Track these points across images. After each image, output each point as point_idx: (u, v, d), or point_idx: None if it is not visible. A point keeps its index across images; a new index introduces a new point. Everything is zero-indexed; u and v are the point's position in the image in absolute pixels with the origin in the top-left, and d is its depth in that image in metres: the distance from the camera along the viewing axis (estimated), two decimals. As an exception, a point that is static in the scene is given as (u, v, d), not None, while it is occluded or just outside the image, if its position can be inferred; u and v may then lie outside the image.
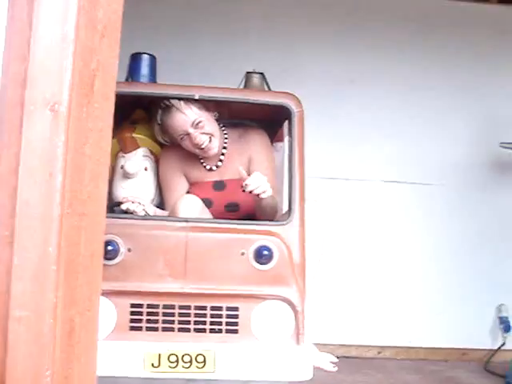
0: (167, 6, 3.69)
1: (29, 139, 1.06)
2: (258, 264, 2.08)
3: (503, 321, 3.77)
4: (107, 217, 2.09)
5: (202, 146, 2.37)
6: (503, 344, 3.75)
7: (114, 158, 2.54)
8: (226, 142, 2.50)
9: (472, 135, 3.86)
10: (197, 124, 2.34)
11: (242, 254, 2.08)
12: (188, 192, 2.47)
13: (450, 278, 3.76)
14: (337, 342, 3.63)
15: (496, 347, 3.74)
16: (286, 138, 2.35)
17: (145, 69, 2.53)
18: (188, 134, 2.36)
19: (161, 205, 2.55)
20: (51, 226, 1.07)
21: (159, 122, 2.40)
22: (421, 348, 3.72)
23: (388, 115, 3.78)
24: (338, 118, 3.77)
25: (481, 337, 3.80)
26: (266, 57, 3.54)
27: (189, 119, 2.33)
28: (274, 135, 2.70)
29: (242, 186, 2.17)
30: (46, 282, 1.07)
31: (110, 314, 2.01)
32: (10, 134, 1.07)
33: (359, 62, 3.78)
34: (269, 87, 2.58)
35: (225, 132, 2.51)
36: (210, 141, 2.38)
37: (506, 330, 3.75)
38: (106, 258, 2.01)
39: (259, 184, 2.14)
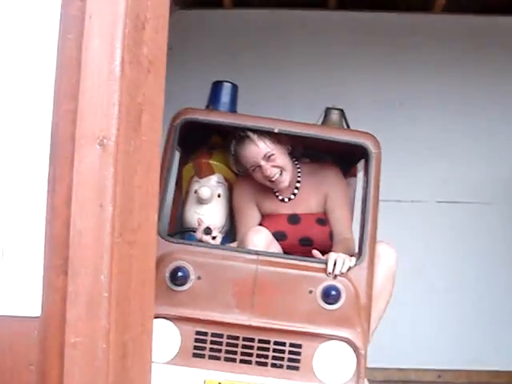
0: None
1: (80, 172, 1.12)
2: (324, 303, 2.07)
3: None
4: (180, 243, 2.17)
5: (273, 179, 2.38)
6: None
7: (189, 182, 2.58)
8: (299, 176, 2.52)
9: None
10: (268, 157, 2.36)
11: (310, 292, 2.08)
12: (261, 223, 2.49)
13: (510, 298, 3.67)
14: (395, 366, 3.58)
15: (562, 368, 3.62)
16: (362, 177, 2.34)
17: (225, 97, 2.56)
18: (259, 166, 2.37)
19: (230, 232, 2.58)
20: (103, 254, 1.12)
21: (233, 152, 2.44)
22: (482, 371, 3.64)
23: (438, 135, 3.76)
24: (389, 141, 3.74)
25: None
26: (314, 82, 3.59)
27: (261, 151, 2.35)
28: (348, 170, 2.72)
29: (326, 270, 2.12)
30: (99, 309, 1.11)
31: (174, 338, 2.04)
32: (63, 167, 1.13)
33: (407, 83, 3.78)
34: (347, 124, 2.59)
35: (298, 166, 2.53)
36: (281, 174, 2.39)
37: None
38: (176, 284, 2.06)
39: (339, 265, 2.11)
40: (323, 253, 2.29)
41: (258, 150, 2.36)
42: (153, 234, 1.34)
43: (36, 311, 1.11)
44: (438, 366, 3.65)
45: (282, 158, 2.39)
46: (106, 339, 1.12)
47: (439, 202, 3.77)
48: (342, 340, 2.05)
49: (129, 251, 1.21)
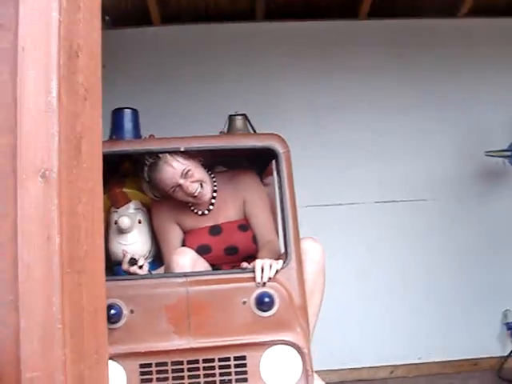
0: (144, 58, 3.79)
1: (24, 207, 1.11)
2: (260, 311, 2.09)
3: (510, 326, 3.80)
4: (107, 279, 2.14)
5: (196, 194, 2.38)
6: (513, 349, 3.77)
7: (107, 213, 2.54)
8: (215, 186, 2.53)
9: (457, 147, 3.94)
10: (186, 173, 2.35)
11: (244, 302, 2.09)
12: (183, 241, 2.49)
13: (453, 291, 3.80)
14: (347, 367, 3.64)
15: (506, 353, 3.76)
16: (275, 177, 2.37)
17: (128, 124, 2.56)
18: (179, 185, 2.37)
19: (158, 255, 2.57)
20: (53, 286, 1.12)
21: (147, 178, 2.41)
22: (432, 363, 3.75)
23: (372, 137, 3.86)
24: (326, 145, 3.84)
25: (490, 345, 3.83)
26: (246, 96, 3.62)
27: (177, 171, 2.35)
28: (263, 171, 2.74)
29: (255, 281, 2.13)
30: (54, 341, 1.10)
31: (119, 376, 2.01)
32: (6, 203, 1.12)
33: (339, 88, 3.86)
34: (253, 127, 2.62)
35: (213, 176, 2.54)
36: (202, 187, 2.40)
37: (514, 335, 3.78)
38: (110, 322, 2.02)
39: (266, 271, 2.12)
40: (250, 258, 2.32)
41: (174, 170, 2.35)
42: (100, 261, 1.33)
43: (-11, 350, 1.10)
44: (389, 363, 3.74)
45: (198, 171, 2.40)
46: (62, 371, 1.11)
47: (377, 202, 3.86)
48: (284, 343, 2.07)
49: (78, 280, 1.20)
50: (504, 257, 3.83)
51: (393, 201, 3.86)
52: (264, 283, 2.12)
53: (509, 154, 3.55)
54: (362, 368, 3.73)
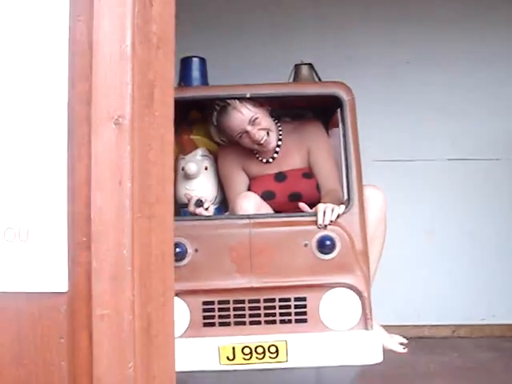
0: (213, 8, 3.77)
1: (97, 151, 1.15)
2: (321, 254, 2.12)
3: None
4: (174, 220, 2.21)
5: (261, 142, 2.43)
6: None
7: (174, 160, 2.59)
8: (280, 135, 2.55)
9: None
10: (253, 121, 2.40)
11: (305, 245, 2.13)
12: (249, 186, 2.54)
13: (523, 252, 3.71)
14: (409, 323, 3.64)
15: None
16: (340, 126, 2.38)
17: (196, 72, 2.59)
18: (246, 132, 2.42)
19: (223, 202, 2.62)
20: (124, 230, 1.16)
21: (215, 123, 2.47)
22: (496, 325, 3.70)
23: (447, 93, 3.75)
24: (398, 101, 3.77)
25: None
26: (319, 46, 3.58)
27: (245, 117, 2.39)
28: (329, 122, 2.74)
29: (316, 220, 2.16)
30: (123, 282, 1.16)
31: (183, 312, 2.10)
32: (80, 147, 1.17)
33: (415, 42, 3.75)
34: (318, 77, 2.61)
35: (279, 125, 2.56)
36: (268, 135, 2.44)
37: None
38: (175, 260, 2.07)
39: (328, 214, 2.15)
40: (313, 205, 2.34)
41: (242, 116, 2.40)
42: (170, 207, 1.37)
43: (63, 287, 1.16)
44: (452, 322, 3.71)
45: (265, 119, 2.44)
46: (131, 311, 1.16)
47: (449, 159, 3.78)
48: (344, 286, 2.10)
49: (148, 225, 1.25)
50: None
51: (465, 159, 3.76)
52: (325, 226, 2.15)
53: None
54: (424, 325, 3.72)
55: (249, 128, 2.40)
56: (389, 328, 3.34)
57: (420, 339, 3.54)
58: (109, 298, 1.15)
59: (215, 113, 2.44)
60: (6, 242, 1.15)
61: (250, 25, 3.78)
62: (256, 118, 2.40)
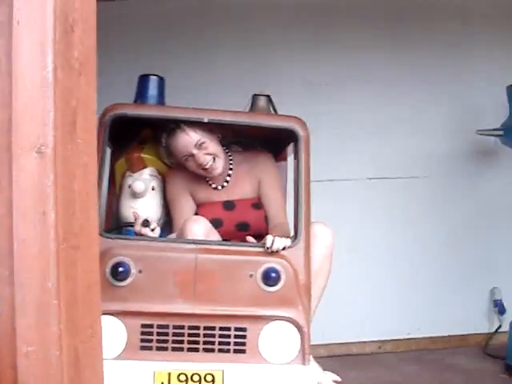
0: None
1: (19, 182, 1.11)
2: (265, 286, 2.11)
3: (497, 304, 3.85)
4: (119, 238, 2.17)
5: (206, 166, 2.42)
6: (499, 326, 3.82)
7: (122, 177, 2.57)
8: (231, 163, 2.55)
9: (450, 125, 3.92)
10: (200, 145, 2.39)
11: (251, 275, 2.11)
12: (196, 212, 2.51)
13: (442, 268, 3.83)
14: (337, 341, 3.68)
15: (493, 330, 3.81)
16: (292, 159, 2.39)
17: (153, 90, 2.58)
18: (192, 155, 2.41)
19: (167, 225, 2.59)
20: (49, 262, 1.12)
21: (164, 144, 2.47)
22: (420, 338, 3.79)
23: (366, 114, 3.83)
24: (317, 122, 3.80)
25: (478, 322, 3.87)
26: (242, 66, 3.62)
27: (192, 140, 2.38)
28: (279, 155, 2.76)
29: (264, 247, 2.17)
30: (49, 316, 1.11)
31: (120, 333, 2.05)
32: (1, 178, 1.12)
33: (332, 65, 3.84)
34: (275, 109, 2.64)
35: (229, 154, 2.56)
36: (214, 161, 2.43)
37: (501, 312, 3.83)
38: (118, 279, 2.06)
39: (276, 242, 2.17)
40: (260, 236, 2.34)
41: (190, 138, 2.39)
42: (95, 235, 1.34)
43: (-16, 324, 1.11)
44: (378, 338, 3.78)
45: (213, 145, 2.43)
46: (58, 345, 1.12)
47: (370, 178, 3.87)
48: (285, 320, 2.10)
49: (74, 256, 1.21)
50: (494, 235, 3.85)
51: (385, 177, 3.86)
52: (272, 252, 2.15)
53: (500, 132, 3.55)
54: (351, 343, 3.76)
55: (195, 151, 2.40)
56: (316, 347, 3.38)
57: (347, 356, 3.58)
58: (34, 333, 1.11)
59: (164, 134, 2.44)
60: None
61: (172, 45, 3.76)
62: (203, 143, 2.40)
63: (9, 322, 1.11)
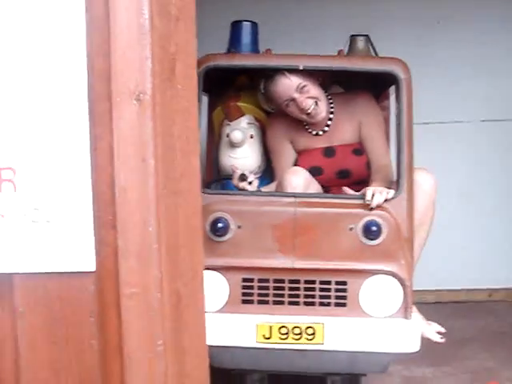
0: None
1: (119, 129, 1.14)
2: (366, 239, 2.06)
3: None
4: (216, 193, 2.19)
5: (309, 111, 2.34)
6: None
7: (220, 126, 2.57)
8: (332, 107, 2.47)
9: None
10: (301, 88, 2.31)
11: (351, 229, 2.07)
12: (296, 160, 2.48)
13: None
14: (444, 288, 3.61)
15: None
16: (393, 103, 2.30)
17: (246, 37, 2.52)
18: (293, 99, 2.33)
19: (267, 172, 2.58)
20: (149, 207, 1.16)
21: (263, 90, 2.40)
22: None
23: (479, 53, 3.63)
24: (428, 61, 3.67)
25: None
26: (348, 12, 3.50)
27: (293, 83, 2.31)
28: (381, 94, 2.67)
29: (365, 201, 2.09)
30: (150, 260, 1.15)
31: (222, 288, 2.09)
32: (102, 126, 1.15)
33: (445, 2, 3.64)
34: (375, 50, 2.53)
35: (329, 98, 2.49)
36: (316, 104, 2.35)
37: None
38: (217, 235, 2.08)
39: (376, 197, 2.09)
40: (362, 183, 2.28)
41: (290, 82, 2.31)
42: (196, 180, 1.35)
43: (91, 266, 1.16)
44: (488, 286, 3.67)
45: (314, 88, 2.35)
46: (159, 288, 1.16)
47: (483, 120, 3.69)
48: (386, 273, 2.06)
49: (174, 200, 1.23)
50: None
51: (500, 120, 3.67)
52: (372, 208, 2.09)
53: None
54: (460, 290, 3.68)
55: (296, 95, 2.32)
56: (425, 293, 3.33)
57: (456, 304, 3.51)
58: (136, 276, 1.15)
59: (263, 80, 2.38)
60: (31, 223, 1.15)
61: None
62: (304, 86, 2.31)
63: (113, 265, 1.16)
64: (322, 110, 2.36)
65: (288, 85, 2.31)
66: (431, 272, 3.55)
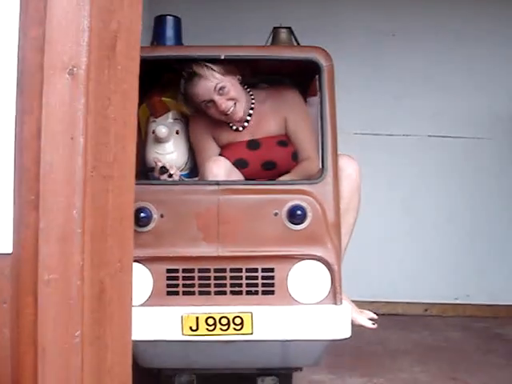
0: None
1: (49, 104, 1.07)
2: (291, 224, 2.03)
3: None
4: (139, 183, 2.13)
5: (228, 112, 2.33)
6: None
7: (146, 123, 2.51)
8: (253, 103, 2.45)
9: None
10: (220, 89, 2.29)
11: (276, 214, 2.04)
12: (220, 154, 2.46)
13: (499, 233, 3.69)
14: (383, 300, 3.62)
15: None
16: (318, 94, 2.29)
17: (169, 31, 2.52)
18: (212, 101, 2.31)
19: (195, 167, 2.54)
20: (75, 189, 1.08)
21: (182, 91, 2.36)
22: (468, 305, 3.68)
23: (433, 68, 3.67)
24: (381, 73, 3.69)
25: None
26: (301, 14, 3.48)
27: (212, 84, 2.27)
28: (307, 90, 2.65)
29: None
30: (72, 245, 1.08)
31: (146, 280, 2.02)
32: (31, 99, 1.08)
33: (400, 14, 3.66)
34: (297, 41, 2.53)
35: (251, 93, 2.47)
36: (235, 106, 2.33)
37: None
38: (140, 225, 2.00)
39: None
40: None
41: (209, 82, 2.27)
42: (130, 167, 1.29)
43: (7, 248, 1.08)
44: (425, 300, 3.69)
45: (234, 88, 2.32)
46: (79, 276, 1.09)
47: (430, 136, 3.73)
48: (313, 258, 2.02)
49: (104, 186, 1.17)
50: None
51: (446, 136, 3.71)
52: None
53: None
54: (398, 302, 3.69)
55: (216, 97, 2.30)
56: (361, 304, 3.31)
57: (392, 316, 3.52)
58: (56, 261, 1.07)
59: (183, 81, 2.33)
60: None
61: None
62: (223, 87, 2.29)
63: (32, 248, 1.08)
64: (239, 109, 2.34)
65: (207, 86, 2.27)
66: (369, 283, 3.57)
